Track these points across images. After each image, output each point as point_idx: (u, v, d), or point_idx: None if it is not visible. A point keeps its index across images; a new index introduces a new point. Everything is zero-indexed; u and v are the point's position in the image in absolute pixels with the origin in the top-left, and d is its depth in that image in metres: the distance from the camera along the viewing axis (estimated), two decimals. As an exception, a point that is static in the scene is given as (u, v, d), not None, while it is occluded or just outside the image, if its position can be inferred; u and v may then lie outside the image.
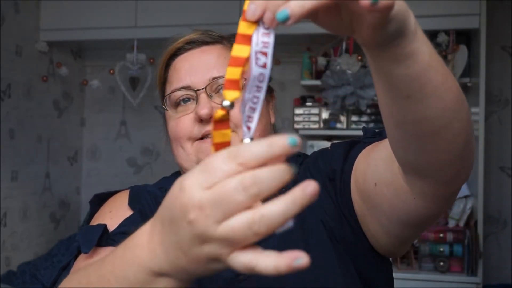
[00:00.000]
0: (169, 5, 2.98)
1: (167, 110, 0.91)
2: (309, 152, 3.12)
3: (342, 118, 2.95)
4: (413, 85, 0.53)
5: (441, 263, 2.59)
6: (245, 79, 0.46)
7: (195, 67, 0.88)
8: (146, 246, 0.51)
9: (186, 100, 0.88)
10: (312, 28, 3.28)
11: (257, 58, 0.44)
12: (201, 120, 0.85)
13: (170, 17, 2.97)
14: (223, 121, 0.47)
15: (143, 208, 0.88)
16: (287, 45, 3.04)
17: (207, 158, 0.45)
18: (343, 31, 0.50)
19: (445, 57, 2.72)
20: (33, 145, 3.14)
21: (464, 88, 2.79)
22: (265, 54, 0.45)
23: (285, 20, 0.43)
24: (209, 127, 0.85)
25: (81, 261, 0.82)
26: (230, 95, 0.45)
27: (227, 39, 0.93)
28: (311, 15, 0.47)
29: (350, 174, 0.80)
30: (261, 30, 0.45)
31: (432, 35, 2.74)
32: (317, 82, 2.93)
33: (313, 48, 3.11)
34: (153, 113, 3.46)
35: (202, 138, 0.87)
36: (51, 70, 3.27)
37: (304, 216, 0.85)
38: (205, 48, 0.91)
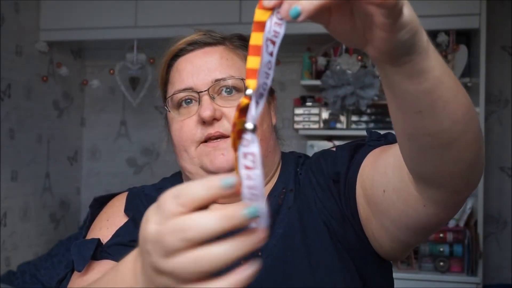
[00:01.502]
0: (169, 5, 2.98)
1: (169, 111, 0.90)
2: (309, 152, 3.11)
3: (342, 118, 2.95)
4: (425, 100, 0.55)
5: (441, 263, 2.59)
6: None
7: (197, 69, 0.88)
8: (132, 269, 0.53)
9: (188, 101, 0.88)
10: (312, 28, 3.27)
11: (266, 46, 0.45)
12: (204, 122, 0.85)
13: (170, 17, 2.96)
14: (246, 110, 0.46)
15: (137, 214, 0.88)
16: (287, 45, 3.03)
17: (163, 194, 0.46)
18: (356, 40, 0.51)
19: (445, 57, 2.72)
20: (33, 145, 3.14)
21: (464, 88, 2.79)
22: (273, 43, 0.45)
23: (296, 17, 0.44)
24: (211, 130, 0.85)
25: (76, 278, 0.82)
26: (253, 84, 0.46)
27: (229, 40, 0.93)
28: (324, 19, 0.48)
29: (355, 178, 0.80)
30: (275, 19, 0.45)
31: (432, 35, 2.74)
32: (317, 82, 2.92)
33: (313, 48, 3.11)
34: (153, 113, 3.45)
35: (205, 141, 0.86)
36: (51, 70, 3.27)
37: (305, 217, 0.85)
38: (207, 49, 0.90)
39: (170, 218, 0.44)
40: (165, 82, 0.94)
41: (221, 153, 0.85)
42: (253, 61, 0.45)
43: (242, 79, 0.87)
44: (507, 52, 3.02)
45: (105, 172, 3.65)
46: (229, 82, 0.87)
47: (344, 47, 2.82)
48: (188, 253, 0.43)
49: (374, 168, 0.76)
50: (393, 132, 0.75)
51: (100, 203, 0.96)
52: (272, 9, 0.45)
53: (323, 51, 3.03)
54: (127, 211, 0.90)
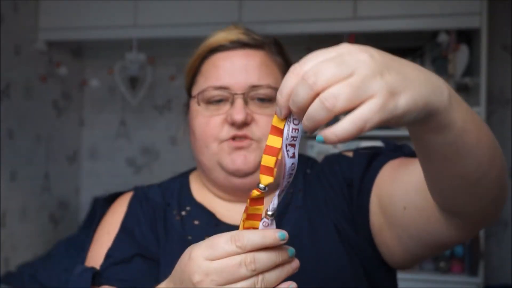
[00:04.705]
0: (168, 5, 2.97)
1: (198, 104, 0.89)
2: (309, 152, 3.07)
3: (343, 118, 2.93)
4: (449, 150, 0.56)
5: (442, 264, 2.58)
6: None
7: (237, 69, 0.87)
8: None
9: (219, 100, 0.87)
10: (312, 28, 3.23)
11: (287, 150, 0.52)
12: (233, 124, 0.85)
13: (169, 16, 2.95)
14: (258, 199, 0.56)
15: (135, 228, 0.88)
16: (287, 45, 3.02)
17: (213, 237, 0.57)
18: None
19: (445, 57, 2.71)
20: (32, 145, 3.13)
21: (465, 87, 2.78)
22: (293, 145, 0.52)
23: (321, 142, 0.48)
24: (238, 131, 0.85)
25: None
26: (265, 180, 0.55)
27: (268, 45, 0.92)
28: None
29: (371, 186, 0.81)
30: (292, 125, 0.51)
31: (432, 34, 2.73)
32: (317, 82, 2.90)
33: (313, 48, 3.08)
34: (153, 113, 3.44)
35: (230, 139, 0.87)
36: (50, 69, 3.26)
37: (315, 218, 0.85)
38: (249, 51, 0.89)
39: (225, 256, 0.55)
40: (195, 72, 0.93)
41: (244, 154, 0.85)
42: (268, 160, 0.54)
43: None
44: (508, 52, 3.01)
45: (105, 172, 3.64)
46: (265, 92, 0.86)
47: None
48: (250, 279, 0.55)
49: (393, 183, 0.76)
50: (408, 144, 0.78)
51: (106, 202, 0.96)
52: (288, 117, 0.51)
53: (323, 50, 3.01)
54: (125, 223, 0.89)
